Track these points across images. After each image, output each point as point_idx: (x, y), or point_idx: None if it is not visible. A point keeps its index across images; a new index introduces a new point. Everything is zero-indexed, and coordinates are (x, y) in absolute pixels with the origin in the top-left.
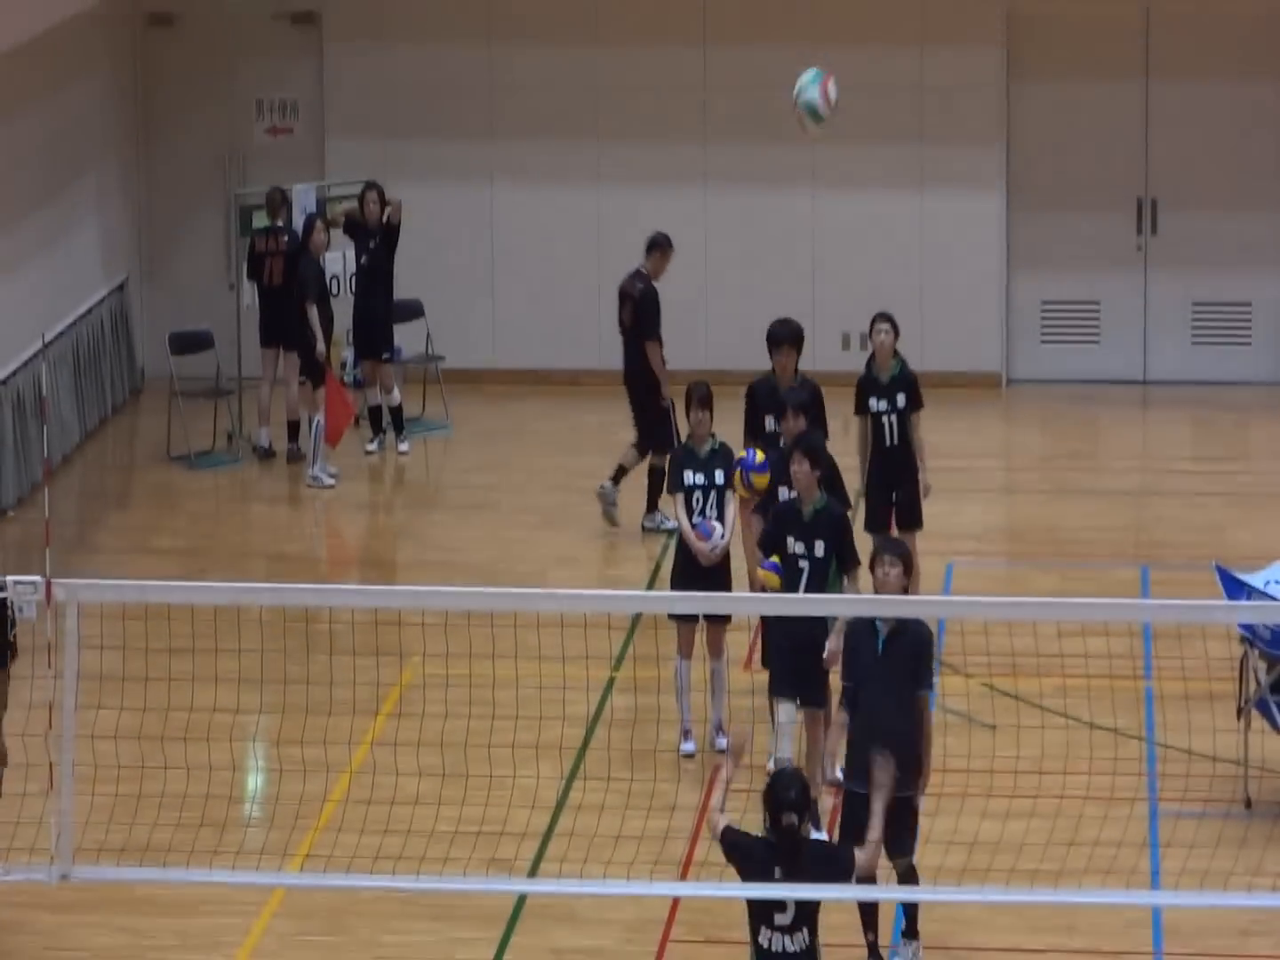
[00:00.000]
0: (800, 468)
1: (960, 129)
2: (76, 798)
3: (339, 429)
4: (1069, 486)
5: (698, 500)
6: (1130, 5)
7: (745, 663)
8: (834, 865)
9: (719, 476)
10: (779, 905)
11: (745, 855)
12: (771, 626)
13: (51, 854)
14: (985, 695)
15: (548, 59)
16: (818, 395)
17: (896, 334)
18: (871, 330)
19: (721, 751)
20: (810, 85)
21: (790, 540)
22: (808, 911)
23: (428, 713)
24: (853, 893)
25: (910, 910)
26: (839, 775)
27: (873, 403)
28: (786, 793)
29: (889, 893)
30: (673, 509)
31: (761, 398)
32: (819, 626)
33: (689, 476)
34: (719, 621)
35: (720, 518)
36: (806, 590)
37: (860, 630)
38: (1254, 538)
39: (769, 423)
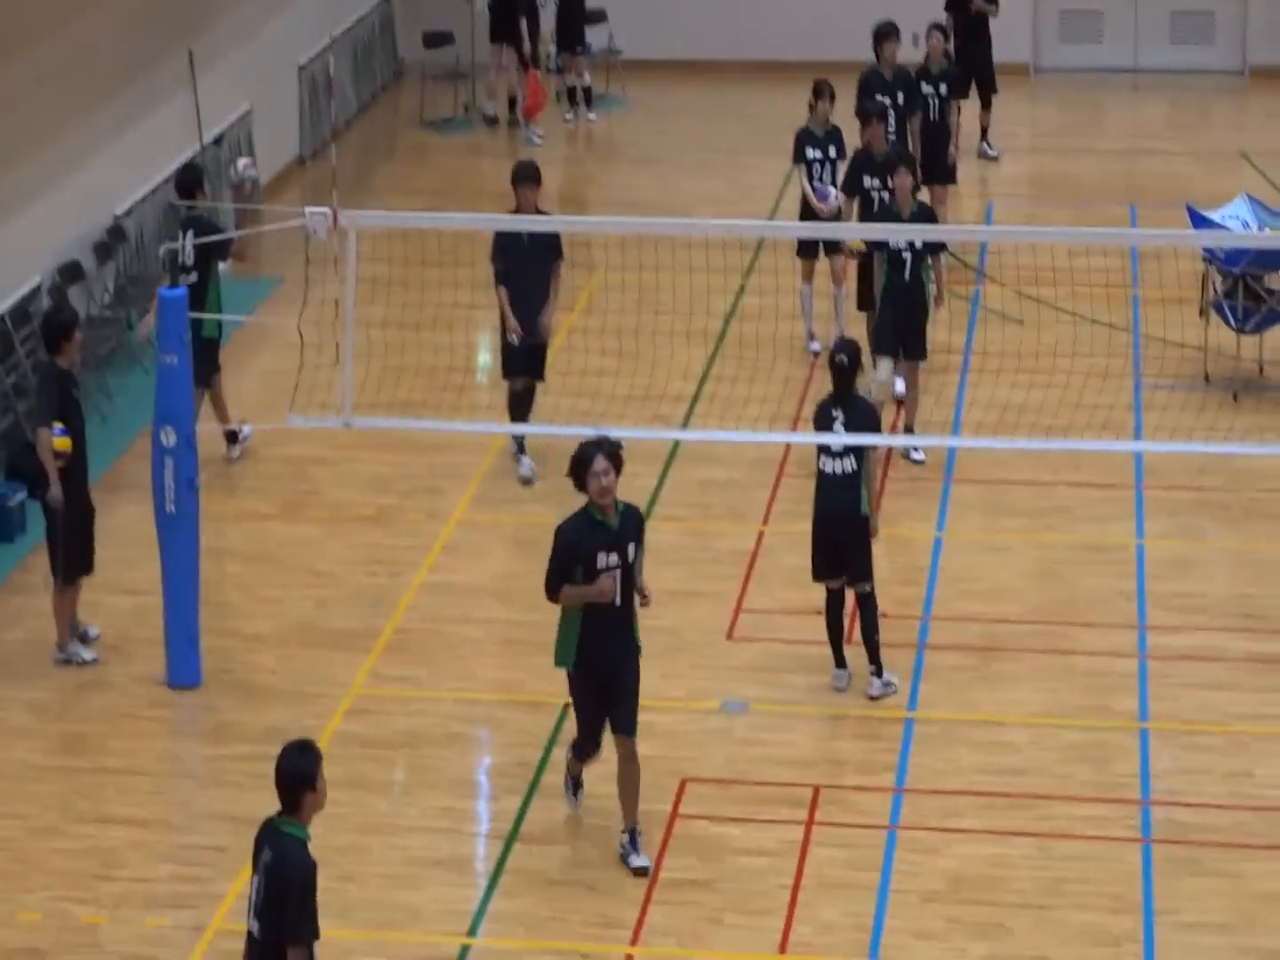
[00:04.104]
0: (903, 181)
1: None
2: (355, 368)
3: (534, 108)
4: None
5: (816, 169)
6: None
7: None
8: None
9: (833, 151)
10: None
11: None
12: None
13: (338, 408)
14: (1015, 299)
15: None
16: (909, 80)
17: (946, 37)
18: (928, 35)
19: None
20: None
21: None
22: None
23: (610, 309)
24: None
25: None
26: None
27: (924, 87)
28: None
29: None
30: None
31: (873, 84)
32: (920, 289)
33: (809, 151)
34: (836, 252)
35: (834, 183)
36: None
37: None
38: None
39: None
